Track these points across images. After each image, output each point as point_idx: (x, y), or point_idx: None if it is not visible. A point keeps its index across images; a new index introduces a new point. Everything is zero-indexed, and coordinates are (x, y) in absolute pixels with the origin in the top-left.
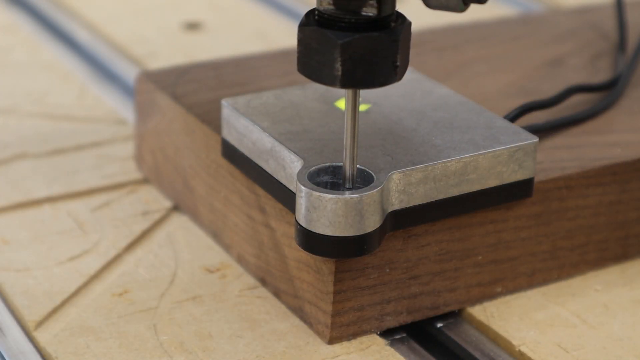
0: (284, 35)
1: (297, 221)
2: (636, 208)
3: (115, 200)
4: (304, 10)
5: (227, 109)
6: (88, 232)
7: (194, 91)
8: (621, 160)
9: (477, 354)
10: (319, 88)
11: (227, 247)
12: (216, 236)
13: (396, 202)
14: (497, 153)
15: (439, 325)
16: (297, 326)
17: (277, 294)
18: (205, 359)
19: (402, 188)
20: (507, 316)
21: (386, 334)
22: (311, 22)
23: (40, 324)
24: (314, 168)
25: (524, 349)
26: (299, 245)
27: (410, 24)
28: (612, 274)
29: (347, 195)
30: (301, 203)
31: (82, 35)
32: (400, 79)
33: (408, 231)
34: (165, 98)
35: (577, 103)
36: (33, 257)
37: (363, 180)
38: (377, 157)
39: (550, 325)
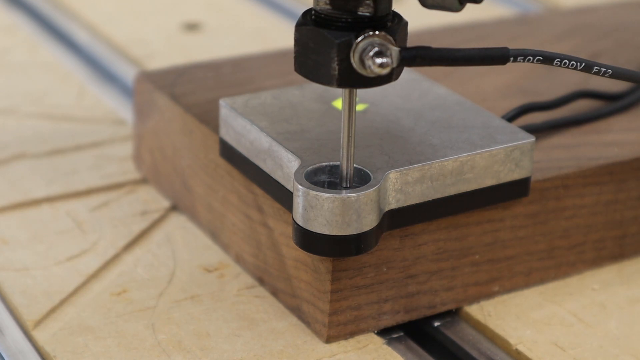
0: (282, 36)
1: (294, 220)
2: (633, 207)
3: (114, 200)
4: (302, 10)
5: (225, 109)
6: (87, 231)
7: (192, 91)
8: (618, 160)
9: (474, 353)
10: (317, 88)
11: (225, 247)
12: (214, 236)
13: (393, 202)
14: (494, 152)
15: (436, 324)
16: (294, 325)
17: (275, 293)
18: (204, 358)
19: (399, 187)
20: (504, 315)
21: (383, 332)
22: (308, 22)
23: (38, 323)
24: (311, 167)
25: (521, 347)
26: (297, 244)
27: (406, 23)
28: (609, 273)
29: (344, 194)
30: (298, 202)
31: (81, 36)
32: (396, 78)
33: (405, 230)
34: (164, 98)
35: (575, 104)
36: (32, 257)
37: (360, 179)
38: (374, 157)
39: (547, 324)
